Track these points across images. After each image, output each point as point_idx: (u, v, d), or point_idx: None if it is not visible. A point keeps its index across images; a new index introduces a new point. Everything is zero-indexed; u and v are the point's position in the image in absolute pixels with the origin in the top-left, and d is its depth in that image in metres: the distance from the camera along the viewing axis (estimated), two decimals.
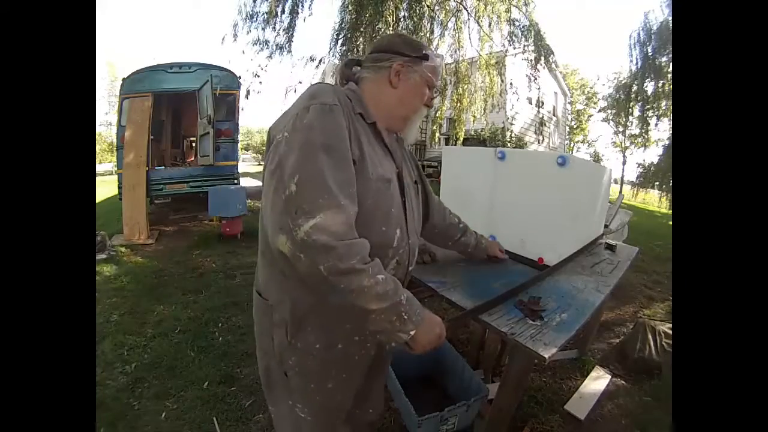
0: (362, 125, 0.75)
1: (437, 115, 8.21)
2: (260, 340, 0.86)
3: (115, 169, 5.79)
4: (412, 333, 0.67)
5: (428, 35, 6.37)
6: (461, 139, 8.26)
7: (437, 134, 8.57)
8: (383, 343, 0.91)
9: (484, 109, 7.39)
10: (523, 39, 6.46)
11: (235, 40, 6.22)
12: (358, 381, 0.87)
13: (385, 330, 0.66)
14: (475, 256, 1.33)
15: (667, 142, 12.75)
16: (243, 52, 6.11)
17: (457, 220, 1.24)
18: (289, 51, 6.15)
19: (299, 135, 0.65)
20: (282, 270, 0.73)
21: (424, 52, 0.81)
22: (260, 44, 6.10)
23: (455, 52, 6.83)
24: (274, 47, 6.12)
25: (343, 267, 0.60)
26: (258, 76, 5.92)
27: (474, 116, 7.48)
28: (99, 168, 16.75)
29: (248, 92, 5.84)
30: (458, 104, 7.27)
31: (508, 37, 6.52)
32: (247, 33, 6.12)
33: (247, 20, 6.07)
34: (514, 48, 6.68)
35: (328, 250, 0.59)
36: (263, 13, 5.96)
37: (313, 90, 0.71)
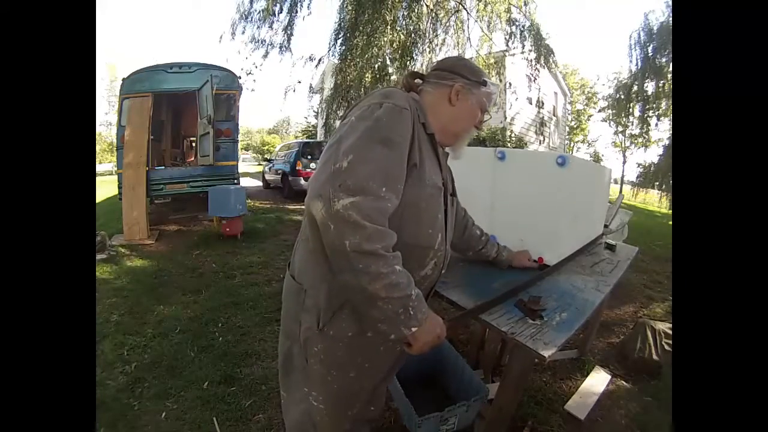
0: (423, 134, 0.80)
1: None
2: (286, 324, 0.88)
3: (115, 169, 5.79)
4: (414, 330, 0.69)
5: (428, 35, 6.37)
6: None
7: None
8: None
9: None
10: (523, 39, 6.46)
11: (232, 38, 6.23)
12: (379, 373, 0.88)
13: (389, 319, 0.67)
14: (496, 265, 1.35)
15: (667, 142, 12.74)
16: (239, 51, 6.13)
17: (479, 232, 1.28)
18: (288, 50, 6.15)
19: (365, 123, 0.69)
20: (324, 258, 0.73)
21: (483, 78, 0.89)
22: (256, 43, 6.11)
23: (455, 52, 6.83)
24: (272, 46, 6.12)
25: (367, 248, 0.62)
26: (251, 74, 5.93)
27: None
28: (99, 168, 16.76)
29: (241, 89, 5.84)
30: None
31: (509, 37, 6.51)
32: (242, 32, 6.13)
33: (243, 19, 6.07)
34: (514, 48, 6.67)
35: (358, 228, 0.62)
36: (259, 11, 5.96)
37: (388, 91, 0.77)
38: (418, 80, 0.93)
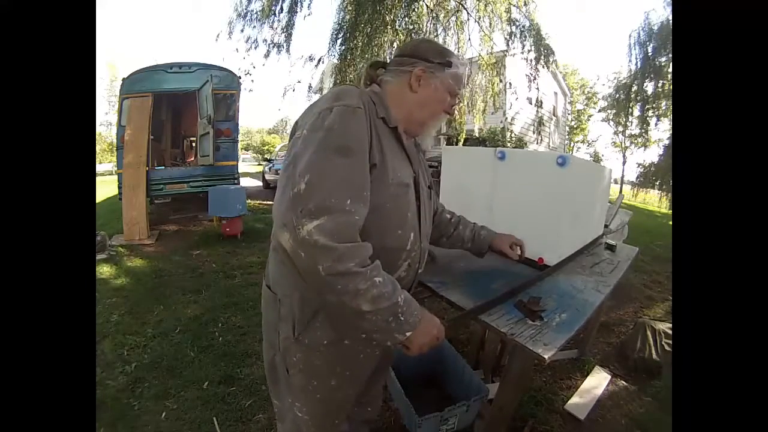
0: (384, 129, 0.76)
1: None
2: (266, 333, 0.87)
3: (115, 169, 5.79)
4: (408, 334, 0.67)
5: (428, 35, 6.37)
6: (462, 140, 8.25)
7: (436, 134, 8.56)
8: (389, 347, 0.92)
9: (484, 110, 7.38)
10: (523, 39, 6.45)
11: (229, 37, 6.22)
12: (361, 380, 0.87)
13: (381, 329, 0.66)
14: (476, 251, 1.19)
15: (667, 142, 12.75)
16: (236, 50, 6.12)
17: (450, 216, 1.18)
18: (287, 50, 6.15)
19: (318, 135, 0.65)
20: (293, 266, 0.72)
21: (448, 59, 0.82)
22: (253, 42, 6.11)
23: (455, 52, 6.83)
24: (273, 45, 6.12)
25: (341, 268, 0.61)
26: (249, 74, 5.93)
27: (475, 117, 7.48)
28: (99, 168, 16.75)
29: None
30: (459, 104, 7.26)
31: (509, 37, 6.51)
32: (241, 31, 6.13)
33: (241, 18, 6.07)
34: (514, 48, 6.67)
35: (328, 250, 0.60)
36: (257, 11, 5.96)
37: (339, 91, 0.72)
38: (380, 70, 0.87)
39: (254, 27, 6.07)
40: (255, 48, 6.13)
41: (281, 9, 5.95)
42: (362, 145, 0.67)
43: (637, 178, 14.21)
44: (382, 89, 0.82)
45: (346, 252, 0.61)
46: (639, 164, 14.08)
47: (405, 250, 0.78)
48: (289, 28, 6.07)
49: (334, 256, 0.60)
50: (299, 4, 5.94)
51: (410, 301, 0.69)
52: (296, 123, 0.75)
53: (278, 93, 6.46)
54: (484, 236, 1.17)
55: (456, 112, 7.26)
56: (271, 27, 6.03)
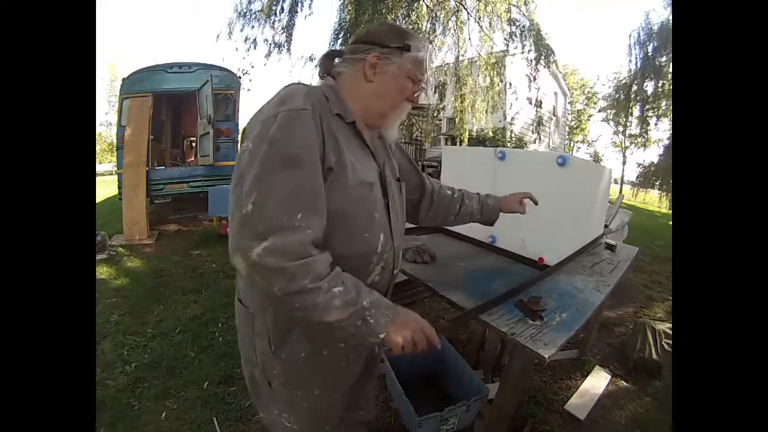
0: (341, 126, 0.71)
1: (436, 114, 8.21)
2: (243, 349, 0.84)
3: (115, 169, 5.79)
4: (381, 336, 0.65)
5: (428, 35, 6.37)
6: (466, 140, 8.24)
7: (434, 134, 8.55)
8: (373, 350, 0.89)
9: (486, 110, 7.39)
10: (523, 39, 6.46)
11: (229, 38, 6.22)
12: (346, 387, 0.84)
13: (353, 336, 0.64)
14: (487, 221, 1.15)
15: (667, 142, 12.76)
16: (236, 49, 6.13)
17: (451, 191, 1.11)
18: (288, 50, 6.15)
19: (262, 148, 0.61)
20: None
21: (406, 42, 0.74)
22: (252, 42, 6.11)
23: (455, 52, 6.83)
24: (273, 45, 6.12)
25: (295, 288, 0.59)
26: (247, 73, 5.93)
27: (474, 117, 7.48)
28: (99, 168, 16.76)
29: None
30: (460, 104, 7.26)
31: (508, 37, 6.52)
32: (241, 30, 6.13)
33: (241, 17, 6.08)
34: (514, 48, 6.68)
35: (280, 272, 0.58)
36: (257, 11, 5.97)
37: (284, 94, 0.67)
38: (337, 59, 0.80)
39: (253, 27, 6.08)
40: (254, 48, 6.14)
41: (282, 9, 5.96)
42: (311, 151, 0.63)
43: (637, 178, 14.25)
44: (338, 81, 0.76)
45: (297, 271, 0.59)
46: (639, 164, 14.12)
47: (376, 254, 0.74)
48: (289, 27, 6.07)
49: (286, 277, 0.58)
50: (300, 4, 5.95)
51: (378, 301, 0.66)
52: (244, 130, 0.70)
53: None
54: (492, 204, 1.13)
55: (455, 107, 7.25)
56: (272, 27, 6.04)
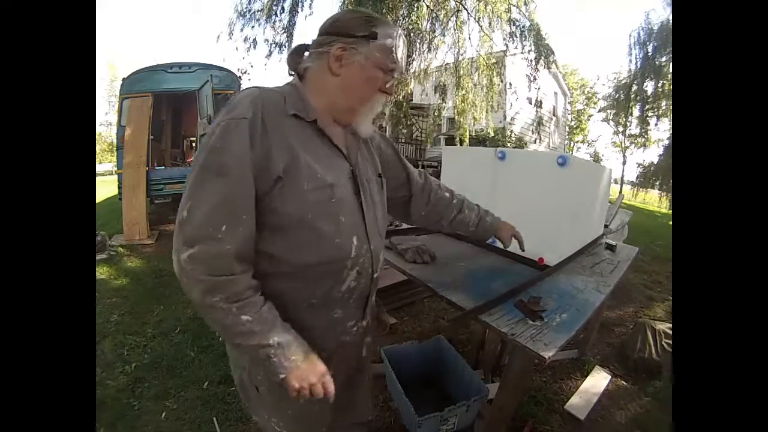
0: (298, 127, 0.67)
1: (436, 114, 8.21)
2: (231, 354, 0.84)
3: (115, 169, 5.79)
4: (282, 377, 0.65)
5: (428, 35, 6.37)
6: (467, 140, 8.24)
7: (435, 134, 8.55)
8: (360, 356, 0.88)
9: (486, 110, 7.39)
10: (523, 39, 6.46)
11: (230, 38, 6.23)
12: (335, 393, 0.81)
13: (259, 361, 0.66)
14: (479, 237, 1.12)
15: (667, 142, 12.76)
16: (236, 48, 6.13)
17: (449, 195, 1.06)
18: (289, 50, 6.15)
19: (201, 156, 0.62)
20: None
21: (372, 29, 0.68)
22: (252, 42, 6.11)
23: (455, 52, 6.83)
24: (274, 46, 6.12)
25: (207, 302, 0.61)
26: (247, 73, 5.93)
27: (474, 117, 7.48)
28: (99, 168, 16.76)
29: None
30: (461, 104, 7.26)
31: (508, 38, 6.52)
32: (241, 30, 6.13)
33: (241, 17, 6.08)
34: (514, 48, 6.68)
35: (198, 282, 0.61)
36: (256, 11, 5.97)
37: (233, 101, 0.66)
38: (306, 54, 0.75)
39: (254, 27, 6.08)
40: (254, 48, 6.14)
41: (282, 9, 5.96)
42: (242, 161, 0.60)
43: (637, 178, 14.25)
44: (304, 77, 0.72)
45: (211, 287, 0.61)
46: (639, 164, 14.12)
47: (349, 258, 0.71)
48: (290, 28, 6.07)
49: (202, 288, 0.61)
50: (300, 4, 5.95)
51: (289, 344, 0.65)
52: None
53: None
54: (489, 223, 1.10)
55: (456, 107, 7.22)
56: (273, 27, 6.04)
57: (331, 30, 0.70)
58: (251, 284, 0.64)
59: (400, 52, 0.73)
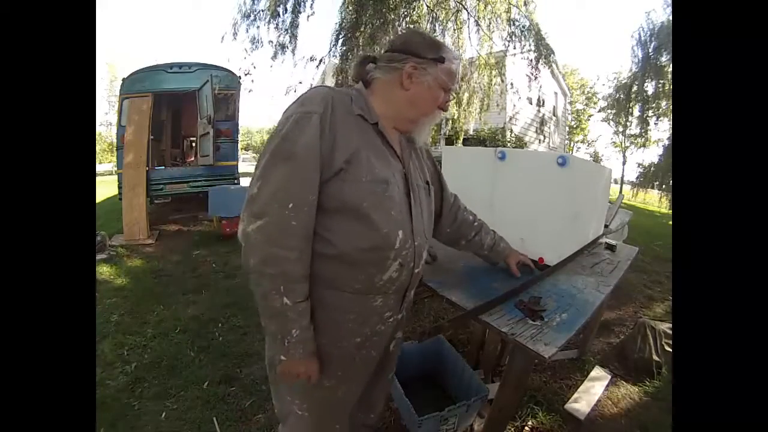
0: (361, 126, 0.76)
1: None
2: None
3: (115, 169, 5.79)
4: (283, 358, 0.74)
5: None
6: (461, 139, 8.24)
7: (437, 134, 8.55)
8: (388, 349, 0.92)
9: (486, 109, 7.38)
10: (523, 39, 6.45)
11: (234, 38, 6.21)
12: (359, 381, 0.87)
13: (273, 336, 0.75)
14: (490, 261, 1.26)
15: (667, 142, 12.75)
16: (245, 50, 6.10)
17: (472, 217, 1.16)
18: (293, 51, 6.14)
19: (274, 142, 0.70)
20: None
21: (441, 54, 0.79)
22: (257, 42, 6.09)
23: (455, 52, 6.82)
24: (278, 46, 6.10)
25: (262, 270, 0.68)
26: (249, 74, 5.91)
27: (474, 117, 7.48)
28: (99, 168, 16.74)
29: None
30: (460, 104, 7.26)
31: (509, 38, 6.51)
32: (246, 31, 6.11)
33: (245, 18, 6.06)
34: (515, 48, 6.67)
35: (260, 249, 0.68)
36: (260, 11, 5.96)
37: (304, 97, 0.73)
38: (371, 65, 0.84)
39: (258, 27, 6.06)
40: (260, 47, 6.11)
41: (285, 10, 5.95)
42: (311, 152, 0.68)
43: (637, 178, 14.23)
44: (371, 86, 0.82)
45: (270, 258, 0.67)
46: (639, 164, 14.11)
47: (393, 249, 0.75)
48: (293, 28, 6.06)
49: (262, 256, 0.68)
50: (302, 4, 5.94)
51: (305, 340, 0.73)
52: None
53: (279, 93, 6.44)
54: (502, 248, 1.21)
55: (452, 108, 7.26)
56: (276, 28, 6.02)
57: (404, 49, 0.79)
58: (305, 273, 0.71)
59: (458, 76, 0.85)
